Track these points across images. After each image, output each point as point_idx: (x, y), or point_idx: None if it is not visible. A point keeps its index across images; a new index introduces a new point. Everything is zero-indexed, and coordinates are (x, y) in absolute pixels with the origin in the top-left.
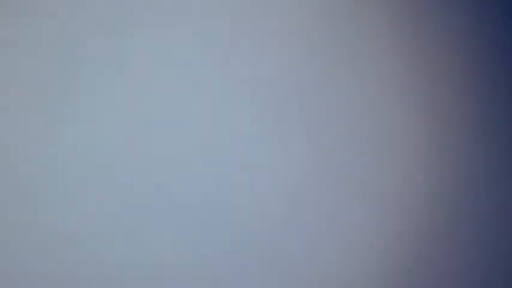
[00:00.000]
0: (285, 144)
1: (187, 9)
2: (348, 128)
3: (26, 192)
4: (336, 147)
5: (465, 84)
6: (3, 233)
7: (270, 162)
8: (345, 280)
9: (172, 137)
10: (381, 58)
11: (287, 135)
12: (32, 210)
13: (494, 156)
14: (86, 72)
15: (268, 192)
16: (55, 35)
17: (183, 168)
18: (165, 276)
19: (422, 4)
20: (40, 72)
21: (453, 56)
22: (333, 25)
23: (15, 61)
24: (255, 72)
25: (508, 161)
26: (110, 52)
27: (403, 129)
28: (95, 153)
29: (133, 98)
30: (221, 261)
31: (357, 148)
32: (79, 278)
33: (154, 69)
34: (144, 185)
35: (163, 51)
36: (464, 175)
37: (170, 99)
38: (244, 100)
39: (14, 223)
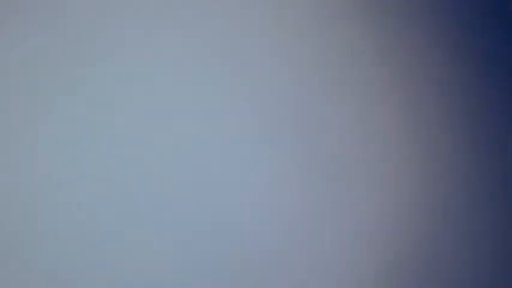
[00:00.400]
0: (283, 156)
1: (187, 11)
2: (340, 137)
3: (24, 196)
4: (330, 157)
5: (451, 89)
6: (2, 234)
7: (268, 173)
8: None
9: (171, 146)
10: (371, 67)
11: (285, 148)
12: (30, 216)
13: (481, 158)
14: (86, 74)
15: (268, 202)
16: (56, 35)
17: (181, 179)
18: (165, 283)
19: (412, 11)
20: (41, 73)
21: (441, 62)
22: (328, 33)
23: (15, 62)
24: (252, 84)
25: (496, 162)
26: (108, 53)
27: (392, 137)
28: (93, 158)
29: (133, 103)
30: (220, 269)
31: (348, 158)
32: (78, 284)
33: (154, 73)
34: (143, 190)
35: (162, 53)
36: (452, 183)
37: (169, 105)
38: (243, 112)
39: (13, 224)
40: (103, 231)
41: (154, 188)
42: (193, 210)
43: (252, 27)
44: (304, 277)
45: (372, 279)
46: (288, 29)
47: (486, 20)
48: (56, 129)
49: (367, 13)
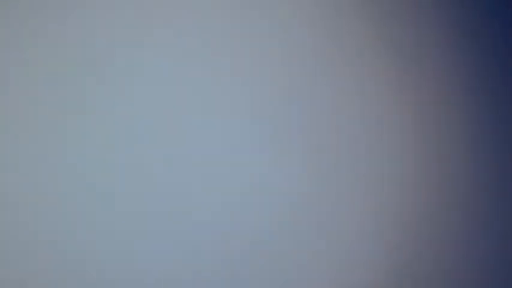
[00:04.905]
0: (284, 154)
1: (189, 11)
2: (345, 135)
3: (25, 199)
4: (333, 155)
5: (459, 85)
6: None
7: (268, 173)
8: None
9: (172, 147)
10: (378, 67)
11: (286, 147)
12: (29, 223)
13: (489, 156)
14: (85, 76)
15: (268, 203)
16: (55, 35)
17: (183, 181)
18: (168, 283)
19: (417, 5)
20: (39, 74)
21: (449, 57)
22: (330, 32)
23: (19, 65)
24: (253, 84)
25: (505, 162)
26: (108, 54)
27: (399, 136)
28: (95, 159)
29: (134, 104)
30: (221, 270)
31: (353, 155)
32: (78, 283)
33: (155, 74)
34: (143, 193)
35: (163, 53)
36: (461, 181)
37: (170, 106)
38: (243, 111)
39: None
40: (104, 231)
41: (155, 188)
42: (194, 211)
43: (253, 25)
44: (307, 278)
45: (376, 280)
46: (290, 28)
47: (497, 11)
48: (56, 133)
49: (372, 14)
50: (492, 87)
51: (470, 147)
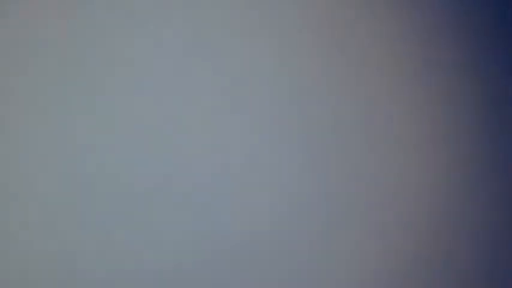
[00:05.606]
0: (285, 154)
1: (189, 10)
2: (346, 132)
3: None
4: (335, 153)
5: (459, 85)
6: None
7: (269, 173)
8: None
9: (173, 146)
10: (381, 63)
11: (286, 142)
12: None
13: (489, 156)
14: (85, 74)
15: (268, 203)
16: (54, 33)
17: (183, 181)
18: (164, 282)
19: (417, 5)
20: (46, 78)
21: (449, 56)
22: (332, 29)
23: (21, 65)
24: (252, 76)
25: (501, 160)
26: (108, 53)
27: (400, 136)
28: (97, 157)
29: (135, 103)
30: (223, 268)
31: (356, 154)
32: (77, 282)
33: (157, 74)
34: (145, 184)
35: (164, 52)
36: (463, 181)
37: (170, 104)
38: (243, 111)
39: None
40: (104, 231)
41: (154, 188)
42: (196, 210)
43: (255, 22)
44: (312, 276)
45: (376, 279)
46: (292, 27)
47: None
48: (55, 133)
49: (372, 13)
50: (492, 87)
51: (471, 147)
